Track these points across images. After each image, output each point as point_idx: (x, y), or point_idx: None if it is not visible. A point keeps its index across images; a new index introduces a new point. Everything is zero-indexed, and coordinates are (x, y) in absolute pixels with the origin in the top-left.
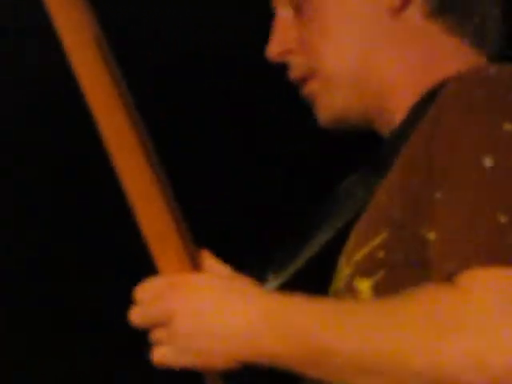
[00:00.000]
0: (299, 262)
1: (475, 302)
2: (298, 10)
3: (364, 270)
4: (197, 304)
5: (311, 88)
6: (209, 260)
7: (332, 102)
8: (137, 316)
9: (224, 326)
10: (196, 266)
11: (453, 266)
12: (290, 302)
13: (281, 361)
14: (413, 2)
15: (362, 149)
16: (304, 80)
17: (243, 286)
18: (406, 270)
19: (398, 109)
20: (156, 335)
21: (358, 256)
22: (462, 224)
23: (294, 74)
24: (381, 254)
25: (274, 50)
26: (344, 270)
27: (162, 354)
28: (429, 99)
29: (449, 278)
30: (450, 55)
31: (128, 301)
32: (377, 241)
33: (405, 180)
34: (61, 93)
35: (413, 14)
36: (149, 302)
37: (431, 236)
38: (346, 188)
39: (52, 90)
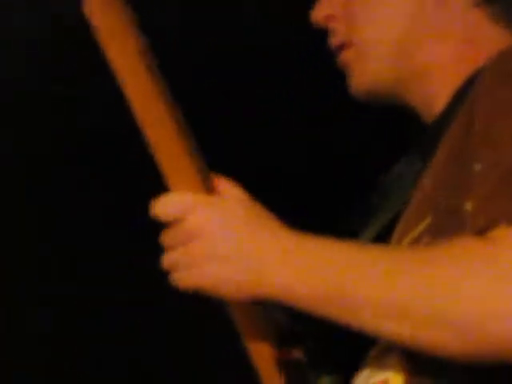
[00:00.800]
0: None
1: (496, 254)
2: None
3: None
4: (223, 227)
5: (346, 57)
6: (225, 184)
7: (364, 71)
8: (167, 237)
9: (245, 255)
10: (210, 188)
11: (483, 223)
12: (320, 241)
13: (296, 298)
14: None
15: (363, 149)
16: (341, 48)
17: (270, 220)
18: None
19: (439, 94)
20: (174, 256)
21: (406, 242)
22: (496, 188)
23: (334, 40)
24: (426, 239)
25: (320, 14)
26: None
27: (181, 276)
28: (471, 84)
29: (479, 233)
30: (494, 43)
31: (128, 301)
32: (422, 226)
33: (448, 162)
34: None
35: (457, 4)
36: (175, 221)
37: (468, 206)
38: (393, 177)
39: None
